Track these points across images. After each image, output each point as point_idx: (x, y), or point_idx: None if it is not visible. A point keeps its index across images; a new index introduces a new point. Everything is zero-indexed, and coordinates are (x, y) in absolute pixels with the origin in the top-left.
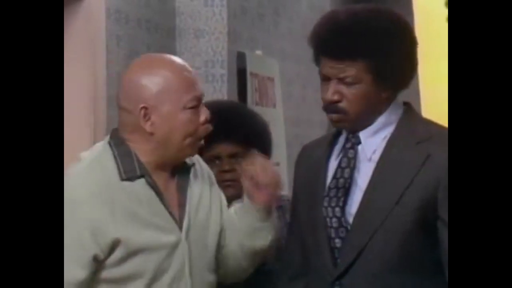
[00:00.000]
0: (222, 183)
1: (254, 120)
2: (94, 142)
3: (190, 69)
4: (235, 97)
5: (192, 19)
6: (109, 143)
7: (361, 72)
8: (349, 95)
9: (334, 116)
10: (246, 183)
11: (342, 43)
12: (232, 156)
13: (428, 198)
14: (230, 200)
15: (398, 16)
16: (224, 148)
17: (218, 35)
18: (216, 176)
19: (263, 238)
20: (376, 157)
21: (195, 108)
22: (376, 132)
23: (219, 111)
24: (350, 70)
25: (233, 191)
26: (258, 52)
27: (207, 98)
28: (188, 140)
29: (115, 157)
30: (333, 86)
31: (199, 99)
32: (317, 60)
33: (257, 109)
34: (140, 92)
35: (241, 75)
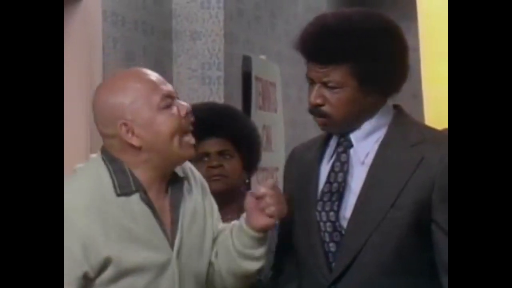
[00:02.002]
0: (210, 178)
1: (243, 121)
2: (91, 144)
3: (152, 72)
4: (232, 99)
5: (189, 21)
6: (103, 159)
7: (345, 76)
8: (332, 100)
9: (319, 119)
10: (250, 203)
11: (325, 47)
12: (220, 153)
13: (423, 200)
14: (215, 194)
15: (387, 20)
16: (212, 145)
17: (214, 37)
18: (204, 172)
19: (253, 263)
20: (368, 160)
21: (170, 106)
22: (367, 135)
23: (209, 109)
24: (334, 75)
25: (220, 185)
26: (262, 56)
27: (203, 100)
28: (176, 139)
29: (110, 172)
30: (316, 89)
31: (169, 96)
32: (307, 63)
33: (260, 114)
34: (114, 111)
35: (246, 78)
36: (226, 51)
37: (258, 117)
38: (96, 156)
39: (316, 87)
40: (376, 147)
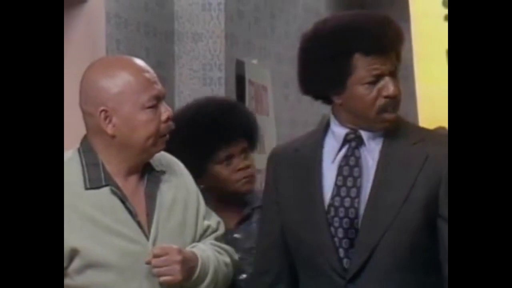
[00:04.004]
0: (241, 181)
1: (254, 116)
2: None
3: (149, 69)
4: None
5: (190, 23)
6: (79, 150)
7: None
8: (399, 88)
9: (393, 115)
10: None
11: (388, 35)
12: (242, 152)
13: (432, 196)
14: (246, 195)
15: None
16: (237, 146)
17: (215, 38)
18: (228, 175)
19: None
20: (376, 158)
21: (155, 107)
22: (375, 133)
23: (227, 110)
24: (396, 63)
25: (251, 185)
26: (254, 60)
27: None
28: (150, 141)
29: (82, 165)
30: (392, 81)
31: (157, 98)
32: (337, 65)
33: None
34: (99, 94)
35: (240, 82)
36: (227, 52)
37: None
38: (71, 150)
39: (389, 78)
40: (379, 143)
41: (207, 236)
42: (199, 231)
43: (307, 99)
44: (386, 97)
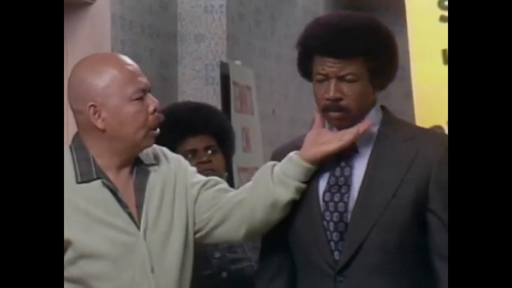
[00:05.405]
0: (200, 173)
1: (224, 118)
2: None
3: (132, 62)
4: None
5: (193, 24)
6: (70, 147)
7: (360, 69)
8: (349, 93)
9: (336, 114)
10: (310, 136)
11: (344, 41)
12: (206, 149)
13: (421, 192)
14: None
15: (380, 21)
16: (199, 142)
17: (217, 40)
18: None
19: (284, 191)
20: (367, 155)
21: (141, 99)
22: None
23: (193, 108)
24: (351, 68)
25: None
26: (237, 62)
27: (207, 99)
28: (140, 132)
29: (73, 160)
30: (334, 84)
31: (143, 90)
32: (305, 60)
33: (239, 116)
34: (87, 90)
35: (225, 83)
36: (228, 53)
37: (237, 119)
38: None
39: (333, 81)
40: (372, 142)
41: (209, 187)
42: (195, 199)
43: (306, 98)
44: (327, 99)
